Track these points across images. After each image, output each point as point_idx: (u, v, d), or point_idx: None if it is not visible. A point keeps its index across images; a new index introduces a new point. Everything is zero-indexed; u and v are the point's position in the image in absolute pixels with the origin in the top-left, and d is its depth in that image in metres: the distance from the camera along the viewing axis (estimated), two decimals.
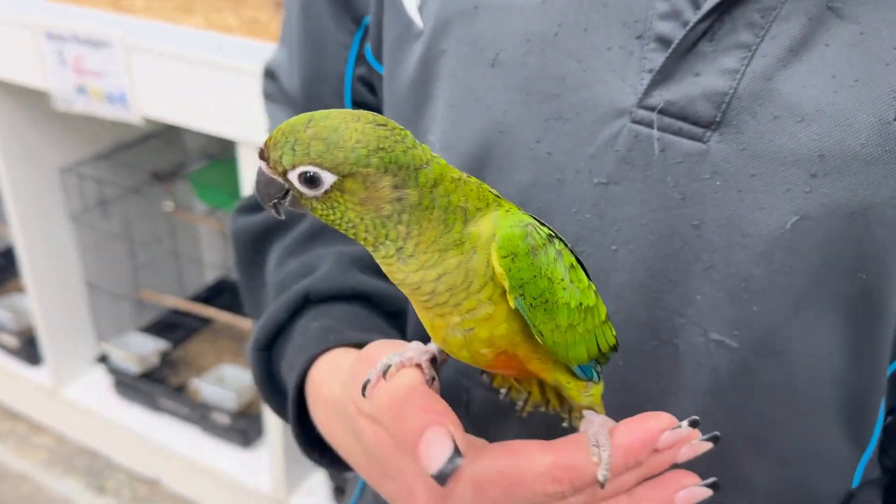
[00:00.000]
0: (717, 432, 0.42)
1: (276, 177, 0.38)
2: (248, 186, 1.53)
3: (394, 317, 0.64)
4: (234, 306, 2.11)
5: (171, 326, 2.24)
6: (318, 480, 1.90)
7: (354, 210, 0.37)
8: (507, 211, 0.40)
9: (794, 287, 0.47)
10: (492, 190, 0.41)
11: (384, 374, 0.43)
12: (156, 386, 2.04)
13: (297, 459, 1.85)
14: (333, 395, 0.51)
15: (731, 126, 0.46)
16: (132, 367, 2.04)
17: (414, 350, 0.44)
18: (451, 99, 0.54)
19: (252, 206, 0.72)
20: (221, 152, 2.08)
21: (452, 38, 0.53)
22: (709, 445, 0.42)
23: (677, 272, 0.48)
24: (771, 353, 0.48)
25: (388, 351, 0.45)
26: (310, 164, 0.36)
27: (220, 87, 1.44)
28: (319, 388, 0.54)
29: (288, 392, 0.58)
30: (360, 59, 0.65)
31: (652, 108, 0.47)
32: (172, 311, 2.25)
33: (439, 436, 0.39)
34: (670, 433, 0.40)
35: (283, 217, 0.40)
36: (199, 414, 1.96)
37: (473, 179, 0.40)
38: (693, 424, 0.41)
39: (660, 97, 0.47)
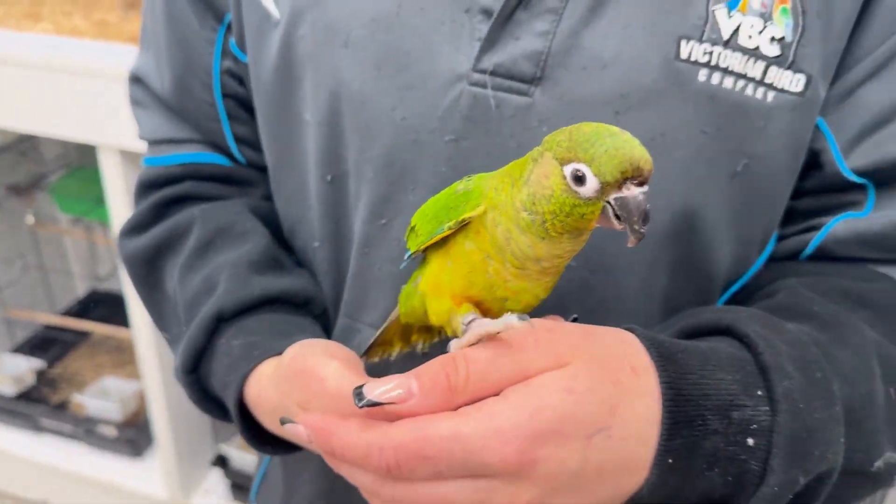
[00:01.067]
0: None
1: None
2: (112, 191, 1.52)
3: (304, 306, 0.67)
4: (110, 317, 2.07)
5: (46, 343, 2.17)
6: (214, 479, 1.91)
7: None
8: None
9: None
10: None
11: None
12: (35, 406, 1.98)
13: (192, 462, 1.85)
14: (274, 405, 0.55)
15: (549, 80, 0.53)
16: (7, 388, 1.98)
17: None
18: (314, 79, 0.59)
19: (136, 227, 0.72)
20: (80, 160, 2.03)
21: (307, 25, 0.58)
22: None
23: None
24: (601, 270, 0.57)
25: (310, 356, 0.50)
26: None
27: (74, 91, 1.43)
28: (258, 401, 0.58)
29: (229, 408, 0.60)
30: (226, 53, 0.69)
31: (484, 72, 0.54)
32: (45, 328, 2.18)
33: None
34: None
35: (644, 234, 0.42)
36: (84, 429, 1.92)
37: None
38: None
39: (489, 61, 0.54)
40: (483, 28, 0.53)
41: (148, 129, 0.74)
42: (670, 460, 0.43)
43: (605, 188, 0.41)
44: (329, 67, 0.58)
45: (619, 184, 0.41)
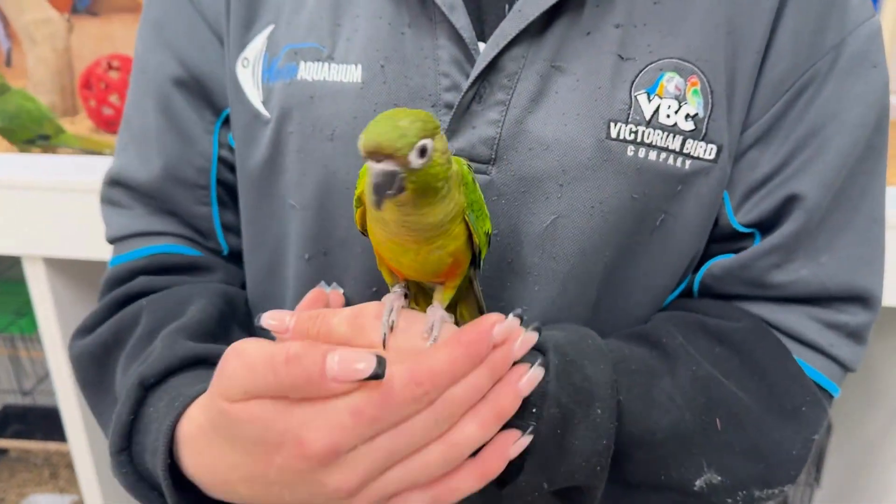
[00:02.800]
0: (537, 323, 0.54)
1: (395, 168, 0.46)
2: (39, 300, 1.51)
3: None
4: (26, 433, 2.01)
5: None
6: None
7: (440, 162, 0.48)
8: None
9: (560, 269, 0.64)
10: None
11: (391, 328, 0.53)
12: None
13: None
14: (198, 426, 0.53)
15: (502, 160, 0.62)
16: None
17: (392, 300, 0.55)
18: (301, 169, 0.67)
19: (86, 328, 0.73)
20: None
21: (296, 122, 0.66)
22: (536, 335, 0.53)
23: (492, 270, 0.64)
24: (546, 322, 0.65)
25: (253, 341, 0.51)
26: (422, 137, 0.46)
27: None
28: (185, 444, 0.54)
29: (160, 479, 0.55)
30: (221, 144, 0.76)
31: None
32: None
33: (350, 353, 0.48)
34: (500, 326, 0.51)
35: (382, 209, 0.47)
36: None
37: None
38: (517, 316, 0.52)
39: (452, 147, 0.63)
40: (446, 119, 0.62)
41: (118, 228, 0.77)
42: None
43: (366, 159, 0.47)
44: (318, 158, 0.66)
45: (367, 158, 0.46)
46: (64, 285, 1.54)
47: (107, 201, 0.79)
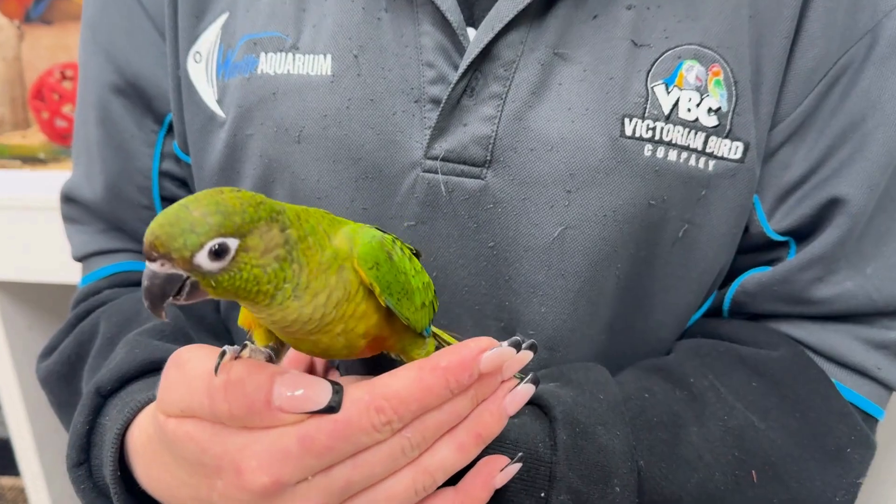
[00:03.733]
0: (533, 340, 0.44)
1: (175, 270, 0.37)
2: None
3: None
4: None
5: None
6: None
7: (258, 264, 0.38)
8: (352, 226, 0.44)
9: (570, 287, 0.56)
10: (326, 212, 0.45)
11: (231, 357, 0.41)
12: None
13: None
14: (147, 436, 0.48)
15: (499, 162, 0.55)
16: None
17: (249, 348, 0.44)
18: (263, 176, 0.59)
19: (50, 348, 0.69)
20: None
21: (257, 123, 0.58)
22: (530, 354, 0.43)
23: (488, 287, 0.56)
24: (555, 347, 0.58)
25: (197, 350, 0.43)
26: (216, 236, 0.36)
27: None
28: (136, 455, 0.49)
29: (111, 492, 0.50)
30: (165, 155, 0.68)
31: (436, 158, 0.55)
32: None
33: (295, 378, 0.39)
34: (491, 353, 0.41)
35: (167, 319, 0.37)
36: None
37: (310, 209, 0.44)
38: (514, 345, 0.42)
39: (440, 148, 0.55)
40: (433, 116, 0.55)
41: (79, 246, 0.73)
42: None
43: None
44: (283, 164, 0.58)
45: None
46: (16, 311, 1.47)
47: (65, 218, 0.74)
